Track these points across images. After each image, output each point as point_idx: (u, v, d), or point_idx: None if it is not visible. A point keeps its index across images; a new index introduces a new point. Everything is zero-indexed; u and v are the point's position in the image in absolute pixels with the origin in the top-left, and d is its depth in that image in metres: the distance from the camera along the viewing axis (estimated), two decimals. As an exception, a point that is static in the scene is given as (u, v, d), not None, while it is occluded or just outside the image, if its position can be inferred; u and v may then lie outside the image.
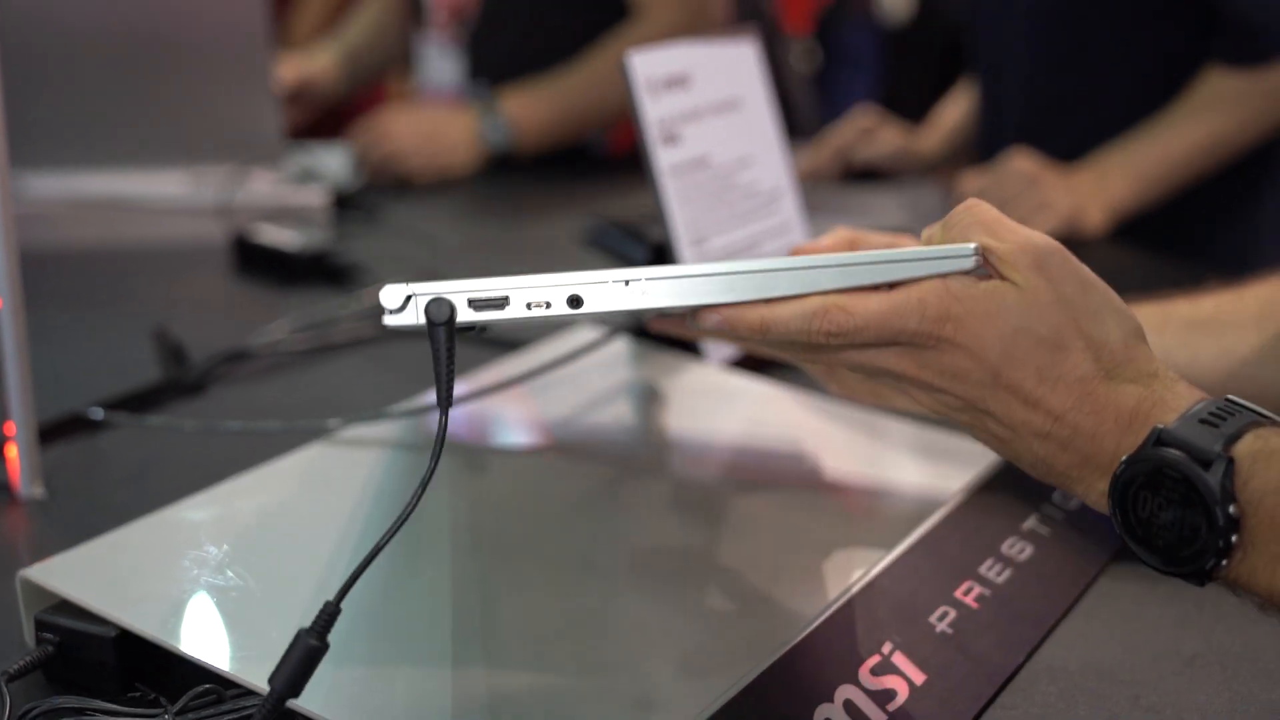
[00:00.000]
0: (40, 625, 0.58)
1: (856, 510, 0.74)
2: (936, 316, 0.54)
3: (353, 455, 0.75)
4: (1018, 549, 0.68)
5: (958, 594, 0.63)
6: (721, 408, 0.86)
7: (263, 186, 1.47)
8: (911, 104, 2.83)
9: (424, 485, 0.50)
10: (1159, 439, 0.50)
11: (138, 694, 0.57)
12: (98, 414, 0.87)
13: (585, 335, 0.90)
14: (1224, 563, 0.49)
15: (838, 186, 1.76)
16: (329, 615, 0.50)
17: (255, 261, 1.30)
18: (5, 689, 0.55)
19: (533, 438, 0.82)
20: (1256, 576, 0.49)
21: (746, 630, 0.60)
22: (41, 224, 1.38)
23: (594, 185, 1.78)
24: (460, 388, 0.84)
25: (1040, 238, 0.55)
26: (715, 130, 0.95)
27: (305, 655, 0.49)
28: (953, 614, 0.62)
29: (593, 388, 0.86)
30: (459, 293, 0.52)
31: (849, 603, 0.61)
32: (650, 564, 0.66)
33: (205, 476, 0.71)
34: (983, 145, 1.66)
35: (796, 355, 0.68)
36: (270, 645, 0.51)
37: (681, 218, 0.90)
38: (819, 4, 3.31)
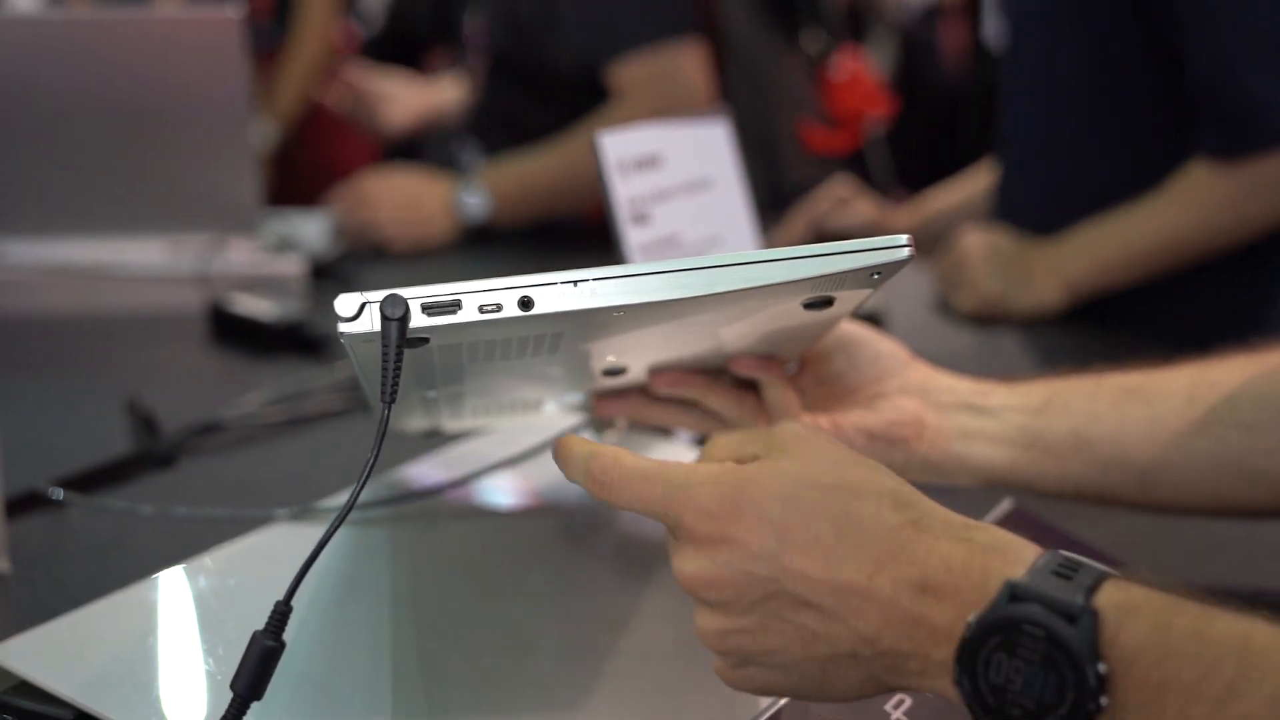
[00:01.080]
0: (-1, 706, 0.58)
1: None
2: (707, 505, 0.50)
3: (314, 534, 0.75)
4: (975, 634, 0.69)
5: (914, 680, 0.64)
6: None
7: (240, 255, 1.48)
8: (891, 167, 2.85)
9: (367, 470, 0.53)
10: (1012, 594, 0.45)
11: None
12: (58, 494, 0.87)
13: (556, 421, 0.91)
14: None
15: None
16: (280, 615, 0.51)
17: (231, 331, 1.31)
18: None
19: (491, 508, 0.82)
20: None
21: (699, 718, 0.60)
22: (18, 291, 1.39)
23: (571, 256, 1.79)
24: (435, 474, 0.85)
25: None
26: (685, 210, 0.97)
27: (262, 656, 0.51)
28: (909, 702, 0.62)
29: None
30: (413, 298, 0.52)
31: (806, 689, 0.62)
32: (600, 645, 0.66)
33: (168, 554, 0.71)
34: (999, 217, 1.64)
35: None
36: (228, 730, 0.51)
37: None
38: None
